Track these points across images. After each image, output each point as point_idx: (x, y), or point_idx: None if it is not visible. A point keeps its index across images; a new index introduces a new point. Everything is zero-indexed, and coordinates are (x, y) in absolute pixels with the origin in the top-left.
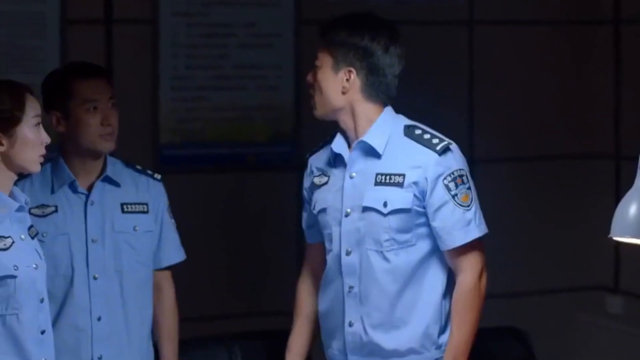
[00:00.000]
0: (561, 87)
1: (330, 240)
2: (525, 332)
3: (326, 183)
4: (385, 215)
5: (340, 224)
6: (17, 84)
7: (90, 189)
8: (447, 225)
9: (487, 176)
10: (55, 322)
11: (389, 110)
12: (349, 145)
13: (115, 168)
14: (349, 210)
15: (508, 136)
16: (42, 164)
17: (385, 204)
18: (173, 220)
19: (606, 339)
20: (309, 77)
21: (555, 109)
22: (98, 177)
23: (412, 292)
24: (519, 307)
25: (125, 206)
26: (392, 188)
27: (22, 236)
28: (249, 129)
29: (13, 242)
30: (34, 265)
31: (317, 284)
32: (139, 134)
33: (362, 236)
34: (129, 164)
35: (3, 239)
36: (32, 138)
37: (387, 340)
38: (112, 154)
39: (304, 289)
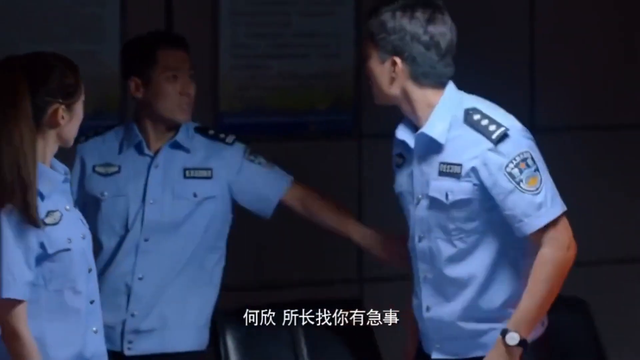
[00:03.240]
0: (630, 53)
1: (408, 224)
2: (586, 302)
3: (401, 165)
4: (447, 206)
5: (413, 209)
6: (71, 61)
7: (158, 152)
8: (518, 213)
9: (549, 145)
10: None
11: (449, 90)
12: (417, 129)
13: (188, 133)
14: (420, 197)
15: (572, 104)
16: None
17: (447, 196)
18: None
19: None
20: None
21: (621, 76)
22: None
23: (490, 279)
24: (585, 277)
25: (187, 171)
26: (452, 179)
27: (67, 207)
28: (309, 97)
29: (61, 215)
30: (82, 236)
31: None
32: (199, 102)
33: (431, 225)
34: (201, 128)
35: (52, 213)
36: (81, 115)
37: (465, 324)
38: None
39: None
